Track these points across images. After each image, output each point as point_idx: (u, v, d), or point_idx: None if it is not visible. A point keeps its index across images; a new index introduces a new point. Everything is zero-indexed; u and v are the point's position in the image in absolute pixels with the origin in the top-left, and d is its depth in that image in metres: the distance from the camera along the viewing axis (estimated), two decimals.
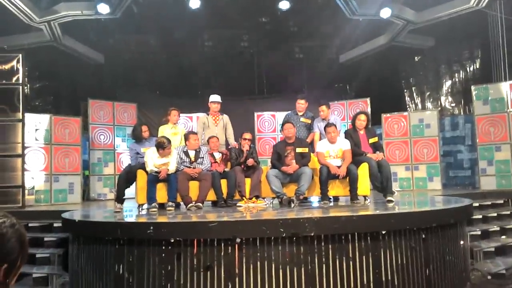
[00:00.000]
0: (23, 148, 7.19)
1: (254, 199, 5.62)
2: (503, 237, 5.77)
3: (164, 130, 6.30)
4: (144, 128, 6.05)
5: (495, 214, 6.29)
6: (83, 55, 10.45)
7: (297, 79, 11.73)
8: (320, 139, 6.21)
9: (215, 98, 6.62)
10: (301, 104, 6.52)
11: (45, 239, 5.60)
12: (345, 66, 11.79)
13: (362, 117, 5.75)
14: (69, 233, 4.94)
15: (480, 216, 5.99)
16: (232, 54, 11.53)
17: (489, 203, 6.75)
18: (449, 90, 10.64)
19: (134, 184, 5.64)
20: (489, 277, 4.73)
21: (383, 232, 3.78)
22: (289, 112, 6.72)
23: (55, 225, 5.74)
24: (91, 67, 10.81)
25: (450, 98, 10.62)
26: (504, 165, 7.74)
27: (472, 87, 8.35)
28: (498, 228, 5.83)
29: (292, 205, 5.25)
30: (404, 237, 3.88)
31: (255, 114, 10.08)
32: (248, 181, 5.74)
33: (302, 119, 6.48)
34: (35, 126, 7.97)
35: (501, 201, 7.01)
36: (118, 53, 10.83)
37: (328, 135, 5.61)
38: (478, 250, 5.19)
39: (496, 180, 7.79)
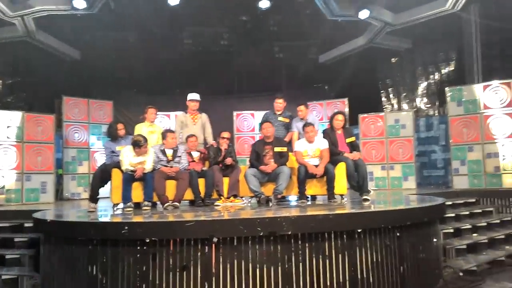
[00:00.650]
0: None
1: (232, 198, 5.60)
2: (475, 234, 5.92)
3: (140, 129, 6.19)
4: (120, 126, 5.93)
5: (467, 213, 6.45)
6: (58, 51, 10.20)
7: (277, 79, 11.75)
8: (299, 138, 6.23)
9: (193, 96, 6.56)
10: (279, 103, 6.53)
11: (16, 239, 5.42)
12: (324, 67, 11.89)
13: (340, 117, 5.82)
14: (40, 233, 4.79)
15: (453, 215, 6.13)
16: (211, 52, 11.45)
17: (462, 201, 6.92)
18: (425, 91, 10.87)
19: (109, 183, 5.52)
20: (461, 273, 4.84)
21: (359, 231, 3.82)
22: (267, 111, 6.72)
23: (26, 225, 5.57)
24: (67, 64, 10.56)
25: (425, 99, 10.86)
26: (476, 165, 7.95)
27: (447, 89, 8.54)
28: (470, 226, 5.98)
29: (270, 204, 5.25)
30: (379, 235, 3.93)
31: (234, 113, 10.06)
32: (226, 180, 5.70)
33: (280, 118, 6.49)
34: (6, 123, 7.72)
35: (473, 200, 7.21)
36: (94, 49, 10.60)
37: (306, 135, 5.64)
38: (451, 247, 5.31)
39: (469, 179, 8.00)
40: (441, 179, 9.47)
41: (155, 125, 6.49)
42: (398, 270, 3.99)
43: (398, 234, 4.01)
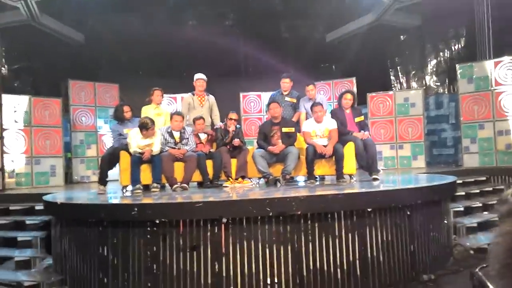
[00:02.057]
0: (2, 130, 7.00)
1: (240, 179, 5.59)
2: (485, 213, 5.87)
3: (147, 111, 6.15)
4: (126, 108, 5.90)
5: (477, 191, 6.39)
6: (63, 35, 10.12)
7: (283, 59, 11.59)
8: (306, 118, 6.17)
9: (199, 75, 6.49)
10: (286, 83, 6.44)
11: (27, 222, 5.49)
12: (331, 46, 11.69)
13: (348, 96, 5.74)
14: (51, 216, 4.84)
15: (463, 193, 6.08)
16: (216, 33, 11.29)
17: (472, 180, 6.85)
18: (434, 69, 10.66)
19: (117, 165, 5.53)
20: (471, 251, 4.82)
21: (369, 210, 3.80)
22: (274, 92, 6.64)
23: (37, 207, 5.63)
24: (71, 47, 10.48)
25: (435, 77, 10.66)
26: (487, 143, 7.84)
27: (457, 66, 8.37)
28: (480, 204, 5.93)
29: (279, 184, 5.23)
30: (389, 214, 3.90)
31: (241, 94, 9.97)
32: (234, 161, 5.69)
33: (287, 98, 6.41)
34: (14, 108, 7.73)
35: (484, 178, 7.13)
36: (99, 33, 10.50)
37: (314, 115, 5.57)
38: (461, 226, 5.28)
39: (479, 157, 7.91)
40: (451, 158, 9.38)
41: (161, 107, 6.45)
42: (408, 249, 3.97)
43: (408, 213, 3.98)
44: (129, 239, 3.78)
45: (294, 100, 6.46)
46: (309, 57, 11.60)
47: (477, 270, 0.77)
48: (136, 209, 3.74)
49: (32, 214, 5.72)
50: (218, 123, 6.37)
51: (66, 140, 8.59)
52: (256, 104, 9.95)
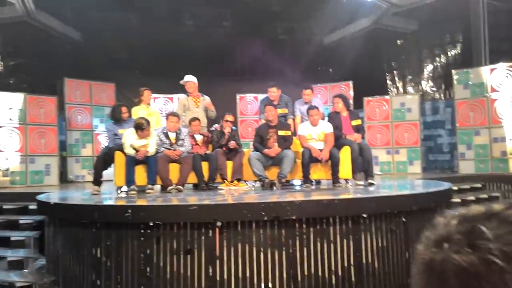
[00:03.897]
0: None
1: (235, 182, 5.57)
2: (479, 206, 5.87)
3: (138, 112, 6.13)
4: (124, 109, 5.88)
5: (473, 198, 6.40)
6: (59, 32, 10.05)
7: (280, 61, 11.58)
8: (302, 121, 6.16)
9: (187, 78, 6.44)
10: (273, 92, 6.26)
11: (20, 221, 5.44)
12: (328, 48, 11.70)
13: (336, 99, 5.84)
14: (45, 216, 4.80)
15: (459, 200, 6.09)
16: (214, 34, 11.27)
17: (468, 186, 6.87)
18: (431, 74, 10.70)
19: (112, 166, 5.50)
20: None
21: (364, 216, 3.79)
22: (265, 97, 6.51)
23: (30, 207, 5.58)
24: (68, 45, 10.42)
25: (431, 83, 10.70)
26: (482, 149, 7.87)
27: (453, 72, 8.40)
28: None
29: (274, 188, 5.22)
30: (384, 220, 3.90)
31: (237, 96, 9.95)
32: (230, 164, 5.67)
33: (279, 110, 6.10)
34: (8, 105, 7.67)
35: (479, 185, 7.15)
36: (96, 30, 10.44)
37: (310, 118, 5.58)
38: None
39: (475, 164, 7.93)
40: (447, 164, 9.40)
41: (151, 107, 6.42)
42: (403, 256, 3.97)
43: (404, 219, 3.98)
44: (122, 241, 3.75)
45: (286, 111, 6.37)
46: (306, 60, 11.60)
47: None
48: (130, 211, 3.72)
49: (25, 213, 5.67)
50: (214, 114, 6.31)
51: (61, 138, 8.53)
52: (252, 106, 9.93)
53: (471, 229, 0.53)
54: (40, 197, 4.81)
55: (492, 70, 7.88)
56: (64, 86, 8.85)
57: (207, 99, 6.48)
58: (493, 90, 7.81)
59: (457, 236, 0.53)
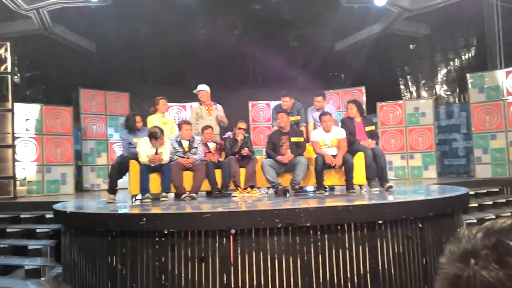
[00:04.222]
0: (13, 138, 7.07)
1: (249, 189, 5.57)
2: (505, 219, 5.76)
3: (153, 120, 6.20)
4: (138, 118, 5.95)
5: (490, 202, 6.29)
6: (74, 44, 10.25)
7: (292, 67, 11.59)
8: (314, 128, 6.14)
9: (201, 87, 6.49)
10: (286, 101, 6.25)
11: (37, 230, 5.52)
12: (340, 54, 11.68)
13: (350, 105, 5.79)
14: (61, 224, 4.86)
15: (476, 205, 5.99)
16: (225, 42, 11.35)
17: (485, 191, 6.76)
18: (444, 78, 10.58)
19: (127, 174, 5.55)
20: None
21: (380, 222, 3.74)
22: (277, 105, 6.51)
23: (47, 216, 5.66)
24: (83, 56, 10.61)
25: (445, 87, 10.57)
26: (499, 153, 7.73)
27: (468, 75, 8.30)
28: (493, 216, 5.83)
29: (288, 195, 5.20)
30: (400, 226, 3.85)
31: (250, 103, 9.98)
32: (243, 171, 5.67)
33: (291, 117, 6.13)
34: (25, 116, 7.83)
35: (496, 189, 7.02)
36: (110, 41, 10.62)
37: (323, 124, 5.55)
38: None
39: (491, 168, 7.79)
40: (462, 168, 9.25)
41: (167, 116, 6.49)
42: (420, 262, 3.91)
43: (420, 225, 3.92)
44: (137, 249, 3.77)
45: (298, 118, 6.36)
46: (318, 66, 11.58)
47: None
48: (144, 219, 3.74)
49: (42, 222, 5.75)
50: (225, 121, 6.34)
51: (76, 148, 8.66)
52: (265, 113, 9.96)
53: (498, 244, 0.51)
54: (56, 206, 4.87)
55: (508, 73, 7.76)
56: (80, 97, 9.00)
57: (219, 107, 6.52)
58: (509, 93, 7.68)
59: (484, 251, 0.51)
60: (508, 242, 0.51)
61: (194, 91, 6.51)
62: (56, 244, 5.16)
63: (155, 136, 5.27)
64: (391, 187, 5.22)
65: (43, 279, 4.72)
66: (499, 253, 0.50)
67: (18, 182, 7.33)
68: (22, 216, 5.92)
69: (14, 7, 8.21)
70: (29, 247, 5.22)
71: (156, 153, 5.28)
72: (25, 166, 7.70)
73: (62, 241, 4.85)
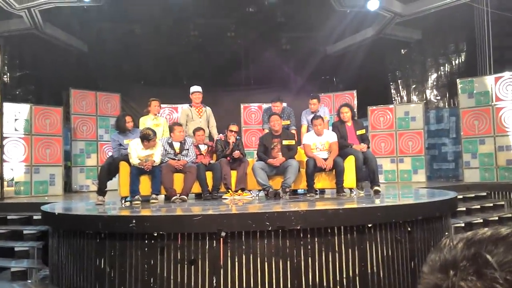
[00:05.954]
0: (2, 138, 6.98)
1: (240, 191, 5.56)
2: (486, 229, 5.82)
3: (145, 122, 6.16)
4: (128, 119, 5.88)
5: (478, 206, 6.37)
6: (66, 44, 10.16)
7: (284, 71, 11.63)
8: (307, 131, 6.16)
9: (195, 88, 6.50)
10: (277, 106, 6.31)
11: (25, 232, 5.46)
12: (332, 58, 11.74)
13: (345, 109, 5.76)
14: (48, 226, 4.80)
15: (464, 209, 6.05)
16: (218, 44, 11.35)
17: (473, 195, 6.83)
18: (435, 83, 10.69)
19: (116, 176, 5.51)
20: None
21: (369, 225, 3.76)
22: (268, 108, 6.53)
23: (34, 217, 5.60)
24: (74, 56, 10.53)
25: (435, 91, 10.68)
26: (487, 158, 7.82)
27: (458, 80, 8.39)
28: (481, 220, 5.90)
29: (279, 197, 5.20)
30: (390, 230, 3.87)
31: (242, 105, 9.98)
32: (234, 173, 5.67)
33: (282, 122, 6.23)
34: (14, 116, 7.73)
35: (484, 194, 7.11)
36: (102, 42, 10.56)
37: (314, 128, 5.58)
38: None
39: (480, 173, 7.88)
40: (451, 172, 9.34)
41: (159, 118, 6.46)
42: (409, 265, 3.93)
43: (409, 229, 3.95)
44: (126, 252, 3.74)
45: (288, 122, 6.38)
46: (310, 69, 11.63)
47: None
48: (134, 221, 3.71)
49: (30, 224, 5.68)
50: (215, 133, 6.36)
51: (66, 148, 8.58)
52: (256, 116, 9.95)
53: (477, 255, 0.52)
54: (45, 208, 4.82)
55: (497, 79, 7.86)
56: (70, 97, 8.92)
57: (208, 110, 6.52)
58: (498, 99, 7.79)
59: (463, 262, 0.52)
60: (485, 254, 0.51)
61: (192, 89, 6.47)
62: (43, 246, 5.10)
63: (147, 138, 5.24)
64: (378, 191, 5.24)
65: (29, 281, 4.67)
66: (478, 265, 0.50)
67: (5, 183, 7.24)
68: (9, 217, 5.84)
69: (6, 6, 8.12)
70: (16, 249, 5.15)
71: (148, 157, 5.24)
72: (13, 167, 7.60)
73: (49, 243, 4.79)
